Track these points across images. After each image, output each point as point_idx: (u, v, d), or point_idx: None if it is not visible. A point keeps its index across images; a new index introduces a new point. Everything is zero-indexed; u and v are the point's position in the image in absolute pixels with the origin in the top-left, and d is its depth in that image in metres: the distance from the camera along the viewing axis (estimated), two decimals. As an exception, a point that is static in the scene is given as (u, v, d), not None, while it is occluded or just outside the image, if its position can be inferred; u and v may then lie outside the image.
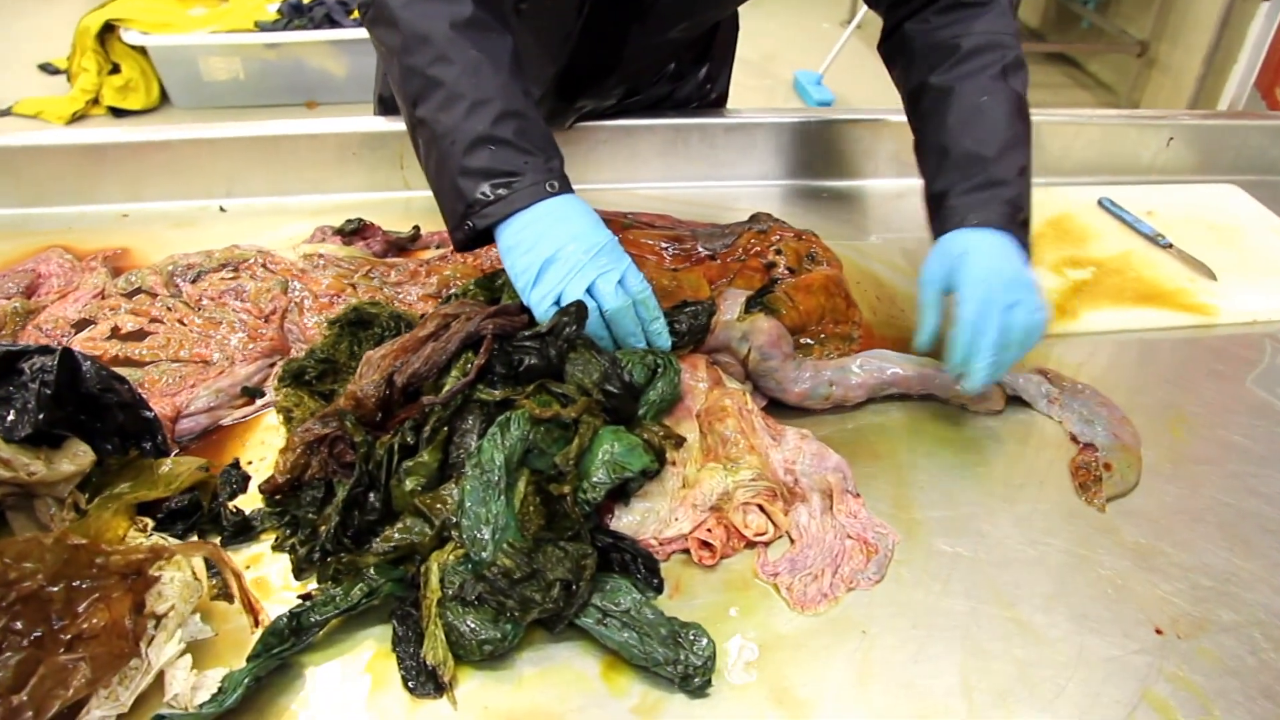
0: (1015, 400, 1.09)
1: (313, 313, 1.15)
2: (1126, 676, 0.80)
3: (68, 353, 0.87)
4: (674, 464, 0.92)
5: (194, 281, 1.20)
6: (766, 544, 0.89)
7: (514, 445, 0.81)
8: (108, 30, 3.90)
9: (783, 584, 0.85)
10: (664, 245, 1.27)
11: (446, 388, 0.89)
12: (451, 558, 0.78)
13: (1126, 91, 4.30)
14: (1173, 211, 1.44)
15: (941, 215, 1.06)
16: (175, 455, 0.99)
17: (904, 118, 1.47)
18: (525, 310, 0.97)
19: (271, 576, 0.87)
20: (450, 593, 0.77)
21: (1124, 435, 1.04)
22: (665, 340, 0.99)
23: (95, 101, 3.96)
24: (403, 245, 1.29)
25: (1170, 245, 1.36)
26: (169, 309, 1.15)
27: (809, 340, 1.12)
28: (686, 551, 0.88)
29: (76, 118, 3.90)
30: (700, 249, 1.27)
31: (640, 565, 0.82)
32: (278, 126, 1.40)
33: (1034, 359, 1.16)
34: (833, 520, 0.91)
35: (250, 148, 1.40)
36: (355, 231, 1.28)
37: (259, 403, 1.05)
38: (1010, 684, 0.79)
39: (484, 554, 0.77)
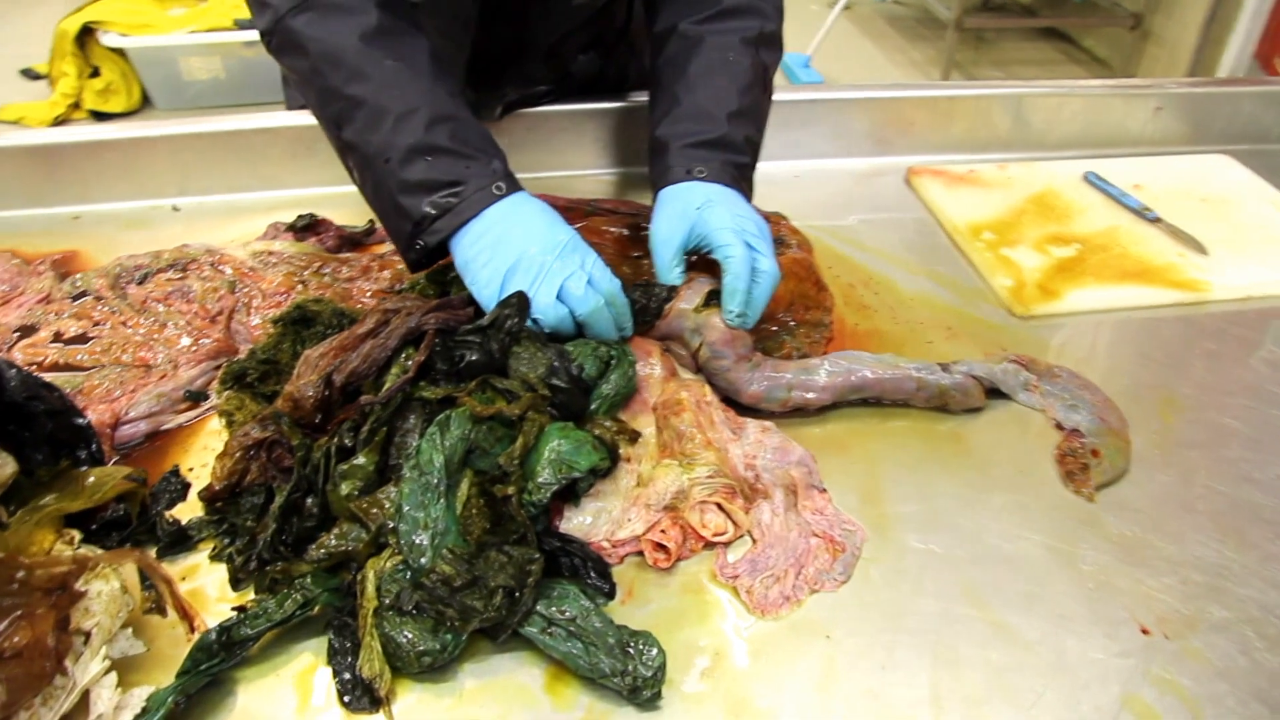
0: (993, 393, 1.03)
1: (260, 312, 1.11)
2: (1109, 681, 0.75)
3: (-15, 361, 0.82)
4: (628, 460, 0.87)
5: (140, 283, 1.15)
6: (726, 544, 0.84)
7: (454, 445, 0.77)
8: (87, 33, 3.86)
9: (742, 587, 0.80)
10: (625, 231, 1.22)
11: (386, 386, 0.85)
12: (388, 565, 0.74)
13: (1121, 65, 4.25)
14: (1161, 184, 1.39)
15: (665, 163, 1.04)
16: (114, 463, 0.95)
17: (880, 93, 1.44)
18: (471, 303, 0.92)
19: (208, 587, 0.83)
20: (387, 602, 0.72)
21: (1110, 419, 0.99)
22: (631, 327, 0.95)
23: (77, 106, 3.92)
24: (357, 240, 1.24)
25: (1158, 219, 1.30)
26: (113, 312, 1.10)
27: (776, 329, 1.07)
28: (641, 554, 0.83)
29: (59, 122, 3.86)
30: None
31: (590, 570, 0.78)
32: (228, 122, 1.35)
33: (1015, 342, 1.11)
34: (797, 518, 0.86)
35: (202, 145, 1.35)
36: (307, 227, 1.23)
37: (203, 407, 1.01)
38: (983, 691, 0.74)
39: (422, 560, 0.72)
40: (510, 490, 0.77)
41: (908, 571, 0.83)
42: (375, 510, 0.76)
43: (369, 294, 1.14)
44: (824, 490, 0.89)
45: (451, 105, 0.93)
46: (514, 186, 0.93)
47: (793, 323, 1.09)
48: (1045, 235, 1.28)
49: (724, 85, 1.06)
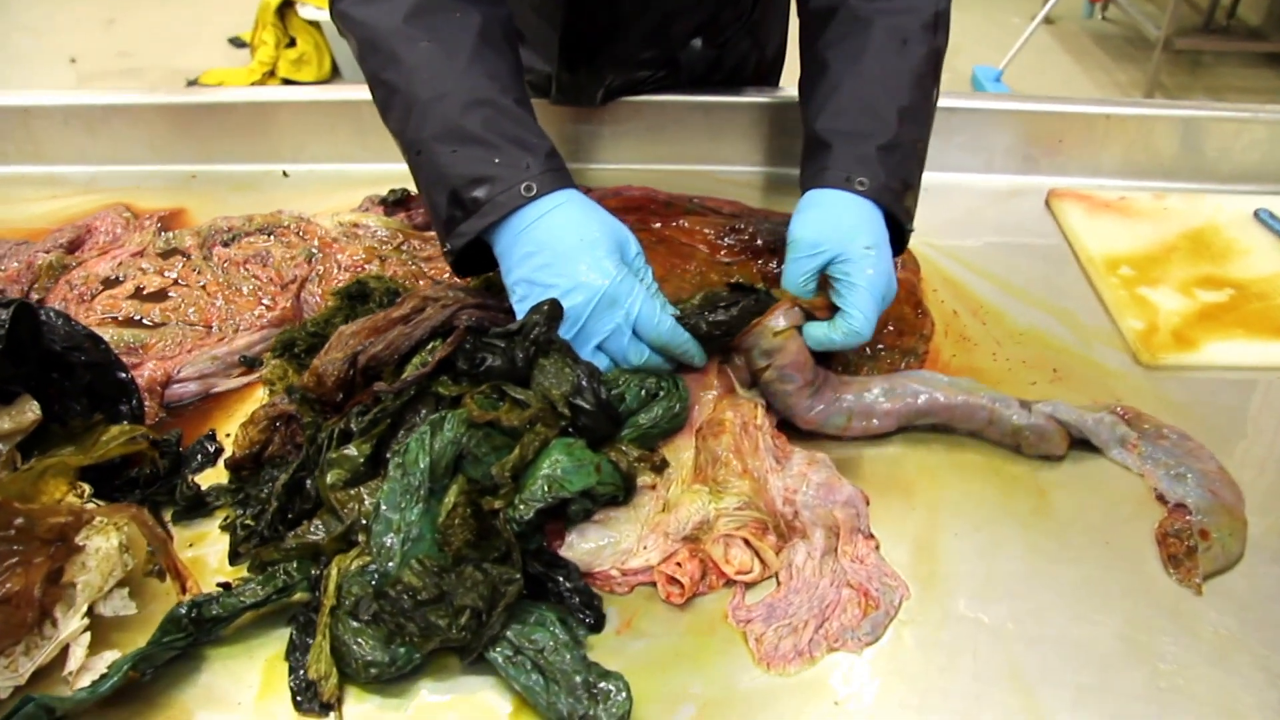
0: (1082, 443, 0.91)
1: (335, 283, 1.09)
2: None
3: (24, 306, 0.83)
4: (653, 486, 0.80)
5: (227, 245, 1.16)
6: (749, 584, 0.76)
7: (444, 448, 0.72)
8: (288, 5, 4.04)
9: (753, 633, 0.72)
10: (721, 233, 1.14)
11: (404, 376, 0.81)
12: (354, 564, 0.69)
13: (1356, 100, 3.82)
14: (1349, 231, 1.21)
15: (823, 162, 0.92)
16: (160, 421, 0.95)
17: (1027, 105, 1.32)
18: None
19: (210, 557, 0.81)
20: (346, 604, 0.68)
21: (1224, 494, 0.86)
22: (701, 359, 0.88)
23: (272, 73, 4.12)
24: (447, 219, 1.21)
25: (1336, 270, 1.13)
26: (194, 271, 1.11)
27: (861, 352, 0.97)
28: (655, 584, 0.76)
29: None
30: (760, 239, 1.14)
31: (576, 598, 0.71)
32: (341, 93, 1.35)
33: (1132, 394, 0.98)
34: (834, 564, 0.77)
35: (316, 112, 1.36)
36: (398, 202, 1.21)
37: (256, 373, 1.00)
38: (1003, 794, 0.64)
39: (389, 565, 0.68)
40: (498, 504, 0.71)
41: (946, 642, 0.73)
42: (352, 505, 0.72)
43: (446, 274, 1.11)
44: (871, 536, 0.80)
45: (489, 89, 0.87)
46: (552, 185, 0.84)
47: (881, 348, 1.00)
48: (1195, 276, 1.13)
49: (897, 75, 0.95)
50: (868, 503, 0.82)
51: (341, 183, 1.34)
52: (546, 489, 0.72)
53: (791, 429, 0.90)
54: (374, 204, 1.23)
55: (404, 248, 1.14)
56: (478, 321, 0.84)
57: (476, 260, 0.90)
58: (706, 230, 1.15)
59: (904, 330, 1.03)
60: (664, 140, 1.34)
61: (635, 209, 1.21)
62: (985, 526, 0.83)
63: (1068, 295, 1.12)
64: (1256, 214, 1.23)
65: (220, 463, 0.89)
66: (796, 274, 0.88)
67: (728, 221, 1.17)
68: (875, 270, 0.87)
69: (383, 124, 0.94)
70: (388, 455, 0.75)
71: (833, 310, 0.89)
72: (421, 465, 0.71)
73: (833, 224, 0.88)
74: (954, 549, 0.81)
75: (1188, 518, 0.84)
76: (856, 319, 0.85)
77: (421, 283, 1.09)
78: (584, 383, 0.79)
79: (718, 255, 1.13)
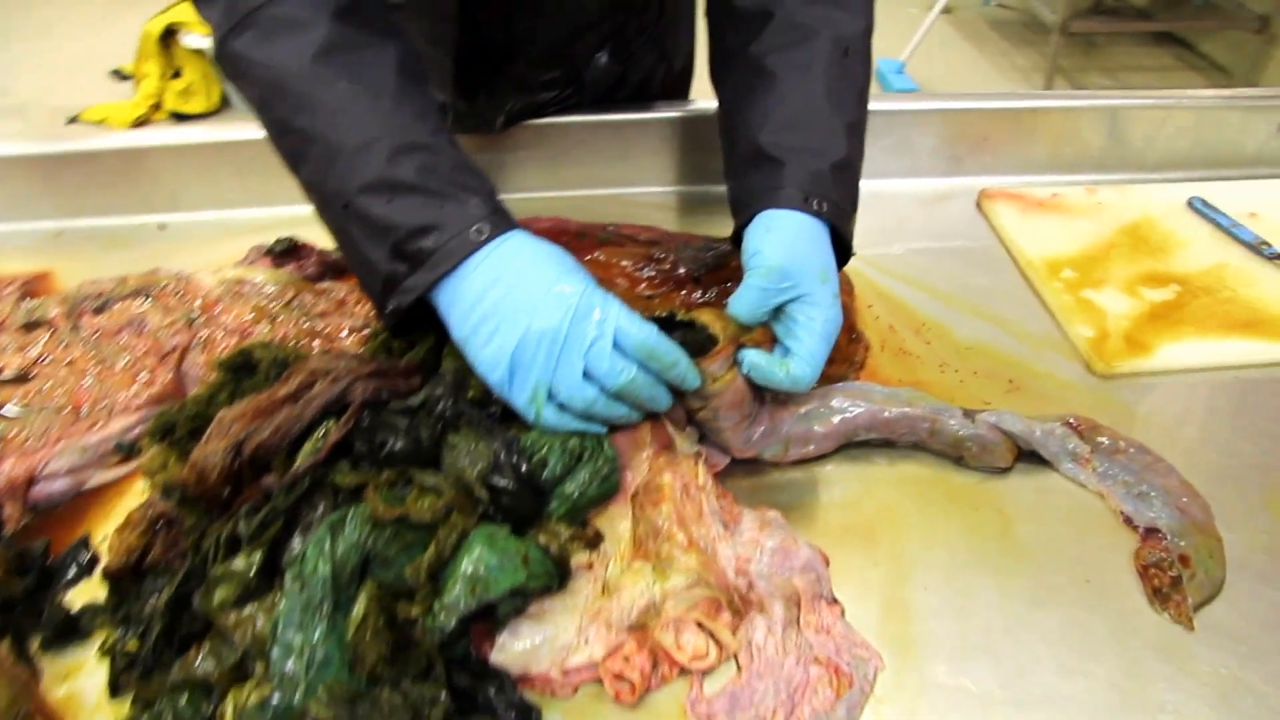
0: (1033, 456, 0.86)
1: (219, 351, 0.98)
2: None
3: None
4: (589, 566, 0.72)
5: (99, 312, 1.04)
6: (706, 671, 0.68)
7: (347, 553, 0.62)
8: (170, 34, 3.86)
9: (716, 731, 0.64)
10: (639, 265, 1.06)
11: (295, 466, 0.71)
12: (252, 698, 0.59)
13: (1244, 73, 3.92)
14: (1283, 214, 1.17)
15: (777, 181, 0.85)
16: (26, 526, 0.83)
17: (951, 104, 1.26)
18: (417, 371, 0.78)
19: (88, 691, 0.70)
20: (244, 752, 0.58)
21: (1193, 511, 0.80)
22: (695, 378, 0.78)
23: (158, 107, 3.93)
24: (342, 268, 1.11)
25: (1277, 255, 1.09)
26: (61, 345, 0.99)
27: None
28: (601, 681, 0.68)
29: (140, 123, 3.87)
30: (681, 268, 1.06)
31: (512, 714, 0.62)
32: (219, 132, 1.24)
33: (1092, 405, 0.92)
34: (797, 637, 0.69)
35: (192, 156, 1.24)
36: (286, 252, 1.10)
37: (134, 463, 0.89)
38: None
39: (293, 697, 0.58)
40: (415, 610, 0.62)
41: (930, 716, 0.66)
42: (246, 627, 0.62)
43: (344, 332, 1.01)
44: (835, 602, 0.72)
45: (420, 130, 0.78)
46: (501, 227, 0.76)
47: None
48: (1138, 274, 1.08)
49: (844, 89, 0.89)
50: (827, 563, 0.74)
51: (224, 232, 1.22)
52: (469, 592, 0.63)
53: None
54: (260, 255, 1.12)
55: (295, 304, 1.04)
56: (375, 395, 0.74)
57: (407, 319, 0.80)
58: (624, 262, 1.07)
59: (835, 358, 0.95)
60: (571, 164, 1.25)
61: (547, 242, 1.12)
62: (955, 575, 0.76)
63: (1011, 303, 1.06)
64: (1190, 203, 1.19)
65: (98, 573, 0.78)
66: (758, 304, 0.80)
67: (646, 251, 1.09)
68: (831, 313, 0.81)
69: (283, 169, 0.84)
70: (282, 564, 0.65)
71: (774, 341, 0.83)
72: (322, 575, 0.62)
73: (799, 253, 0.81)
74: (925, 605, 0.74)
75: (1164, 543, 0.78)
76: (806, 368, 0.79)
77: (316, 342, 0.99)
78: (502, 458, 0.70)
79: (638, 289, 1.05)
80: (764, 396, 0.85)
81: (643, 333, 0.74)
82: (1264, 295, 1.04)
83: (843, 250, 0.87)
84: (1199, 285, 1.06)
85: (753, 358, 0.80)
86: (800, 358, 0.80)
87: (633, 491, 0.78)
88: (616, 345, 0.73)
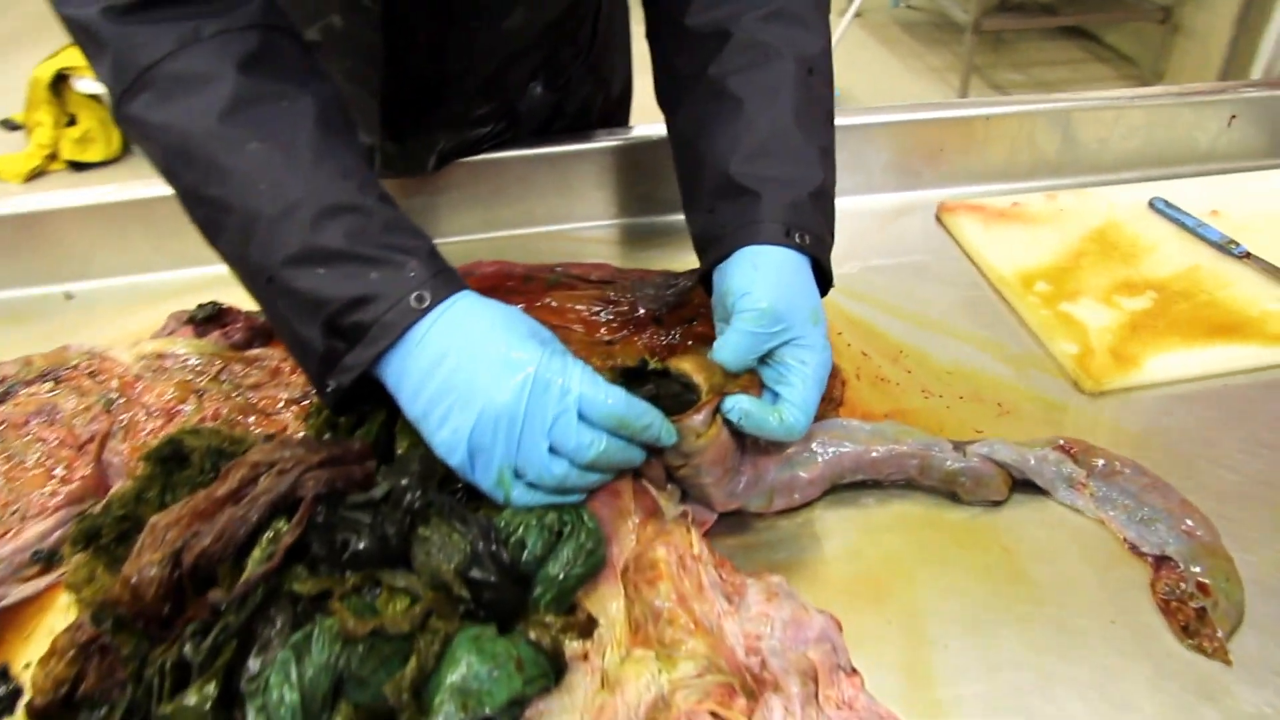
0: (1026, 483, 0.82)
1: (143, 438, 0.89)
2: None
3: None
4: (585, 656, 0.64)
5: (1, 401, 0.94)
6: (724, 765, 0.61)
7: (317, 677, 0.55)
8: (62, 80, 3.69)
9: (744, 839, 0.58)
10: (595, 309, 0.99)
11: (245, 575, 0.62)
12: None
13: (1151, 63, 4.00)
14: (1243, 209, 1.15)
15: (754, 215, 0.79)
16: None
17: (900, 115, 1.22)
18: (372, 454, 0.70)
19: None
20: None
21: (1199, 533, 0.76)
22: (671, 435, 0.71)
23: (54, 157, 3.76)
24: (271, 332, 1.02)
25: (1247, 254, 1.07)
26: (-37, 442, 0.89)
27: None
28: (608, 787, 0.61)
29: (35, 175, 3.70)
30: (640, 308, 0.99)
31: None
32: (129, 190, 1.14)
33: (1085, 426, 0.88)
34: (817, 716, 0.63)
35: (99, 217, 1.14)
36: (210, 319, 1.01)
37: (56, 573, 0.79)
38: None
39: None
40: (400, 737, 0.54)
41: (974, 799, 0.60)
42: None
43: (281, 404, 0.92)
44: (854, 672, 0.66)
45: (345, 189, 0.70)
46: (444, 291, 0.68)
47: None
48: (1112, 282, 1.04)
49: (813, 112, 0.83)
50: (840, 629, 0.68)
51: (138, 299, 1.13)
52: (461, 708, 0.55)
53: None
54: (180, 323, 1.03)
55: (224, 376, 0.95)
56: (329, 486, 0.66)
57: (353, 394, 0.72)
58: (579, 306, 1.00)
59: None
60: (509, 201, 1.18)
61: (490, 290, 1.04)
62: (974, 628, 0.71)
63: (987, 322, 1.02)
64: (1151, 204, 1.16)
65: (20, 709, 0.69)
66: (749, 350, 0.75)
67: (600, 292, 1.02)
68: (824, 356, 0.76)
69: (193, 229, 0.75)
70: (241, 690, 0.57)
71: (761, 387, 0.77)
72: (290, 704, 0.54)
73: (789, 293, 0.75)
74: (948, 665, 0.68)
75: (1178, 571, 0.74)
76: (800, 415, 0.74)
77: (251, 418, 0.90)
78: (480, 548, 0.63)
79: (597, 334, 0.98)
80: (744, 444, 0.79)
81: (610, 400, 0.67)
82: (1239, 296, 1.01)
83: (822, 282, 0.81)
84: (1175, 290, 1.03)
85: (744, 406, 0.73)
86: (793, 404, 0.74)
87: (622, 567, 0.71)
88: (582, 416, 0.66)
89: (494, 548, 0.64)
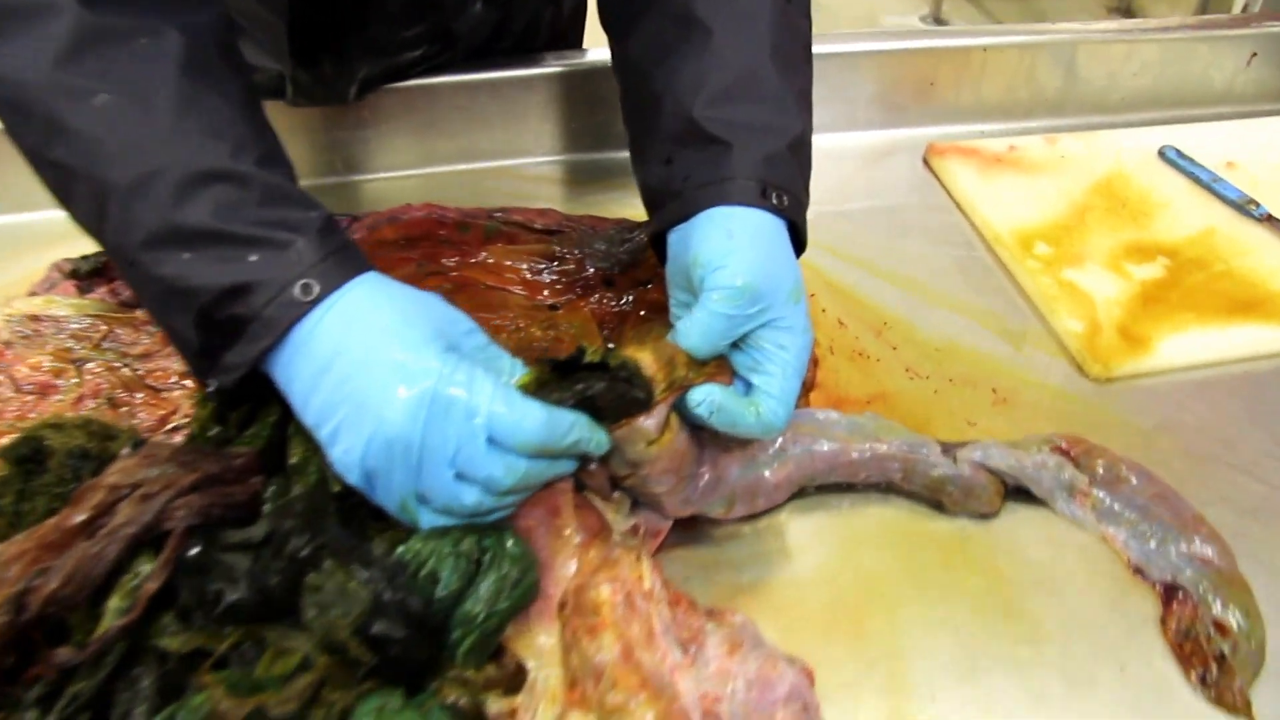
0: (1019, 493, 0.72)
1: (15, 418, 0.76)
2: None
3: None
4: (512, 714, 0.54)
5: None
6: None
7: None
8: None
9: None
10: (538, 266, 0.87)
11: (101, 626, 0.51)
12: None
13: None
14: (1263, 161, 1.04)
15: (725, 170, 0.66)
16: None
17: (885, 43, 1.08)
18: (258, 466, 0.58)
19: None
20: None
21: (1215, 558, 0.67)
22: (604, 443, 0.60)
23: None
24: (167, 287, 0.89)
25: (1269, 216, 0.96)
26: None
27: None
28: None
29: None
30: (589, 266, 0.87)
31: None
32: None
33: (1093, 418, 0.78)
34: (787, 795, 0.54)
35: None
36: (95, 272, 0.88)
37: (-104, 587, 0.67)
38: None
39: None
40: None
41: None
42: None
43: (173, 378, 0.80)
44: (829, 735, 0.57)
45: (215, 151, 0.56)
46: (335, 278, 0.56)
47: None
48: (1120, 245, 0.93)
49: (791, 49, 0.71)
50: (813, 681, 0.58)
51: (13, 244, 0.98)
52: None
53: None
54: (63, 275, 0.89)
55: (108, 343, 0.82)
56: (203, 514, 0.55)
57: (242, 390, 0.60)
58: (519, 264, 0.88)
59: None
60: (444, 134, 1.04)
61: (419, 239, 0.92)
62: (968, 675, 0.61)
63: (981, 287, 0.91)
64: (1162, 153, 1.05)
65: None
66: (721, 334, 0.63)
67: (545, 246, 0.90)
68: (805, 339, 0.65)
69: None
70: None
71: (732, 375, 0.65)
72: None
73: (769, 267, 0.63)
74: (936, 717, 0.59)
75: (1191, 603, 0.65)
76: (780, 408, 0.63)
77: (140, 395, 0.78)
78: (386, 597, 0.52)
79: (539, 297, 0.86)
80: (703, 440, 0.68)
81: (526, 423, 0.55)
82: (1260, 267, 0.91)
83: (796, 246, 0.70)
84: (1189, 257, 0.92)
85: (716, 398, 0.62)
86: (772, 396, 0.63)
87: (560, 599, 0.60)
88: (494, 441, 0.55)
89: (402, 595, 0.53)
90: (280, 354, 0.56)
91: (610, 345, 0.82)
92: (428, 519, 0.57)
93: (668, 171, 0.70)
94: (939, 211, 1.00)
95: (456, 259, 0.88)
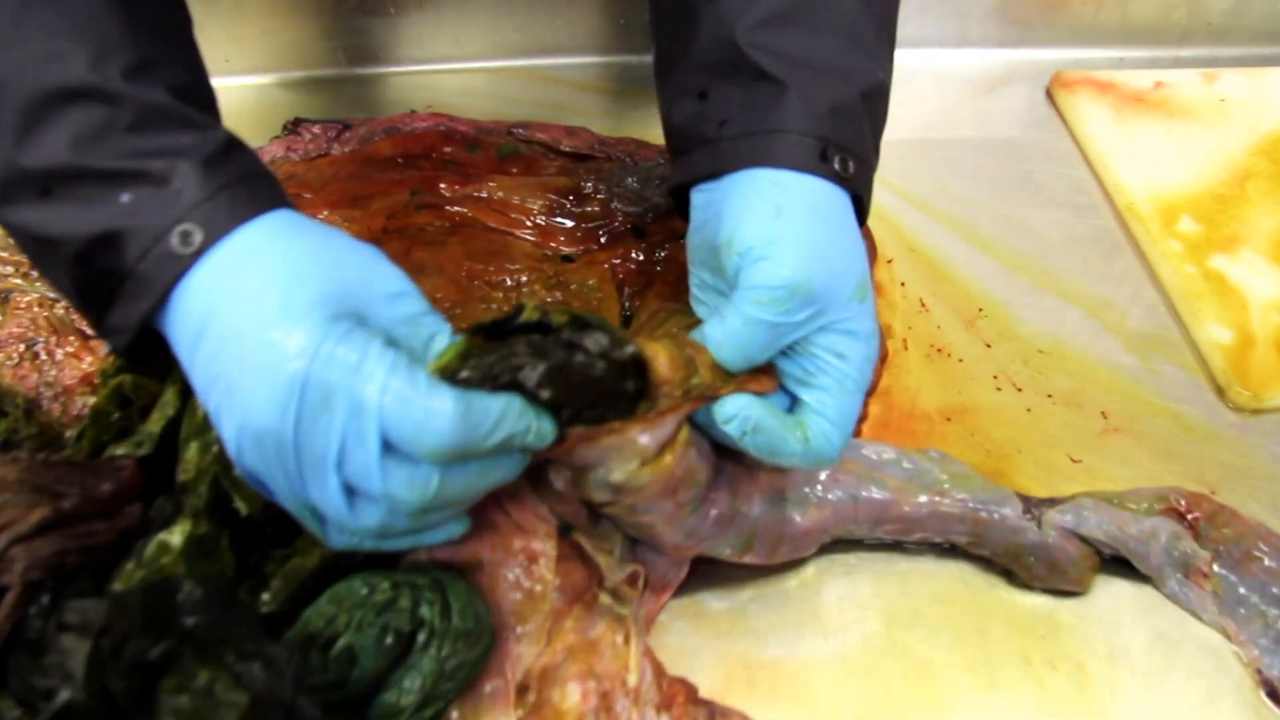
0: (1118, 561, 0.57)
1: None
2: None
3: None
4: None
5: None
6: None
7: None
8: None
9: None
10: (555, 204, 0.71)
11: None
12: None
13: None
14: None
15: (776, 118, 0.49)
16: None
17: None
18: (134, 491, 0.45)
19: None
20: None
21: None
22: (550, 432, 0.43)
23: None
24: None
25: None
26: None
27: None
28: None
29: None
30: (616, 206, 0.71)
31: None
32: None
33: (1211, 460, 0.61)
34: None
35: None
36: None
37: None
38: None
39: None
40: None
41: None
42: None
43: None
44: None
45: (71, 63, 0.41)
46: (227, 220, 0.42)
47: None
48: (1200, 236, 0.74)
49: None
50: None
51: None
52: None
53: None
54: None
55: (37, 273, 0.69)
56: (55, 564, 0.42)
57: (144, 347, 0.46)
58: (531, 201, 0.71)
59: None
60: (466, 24, 0.87)
61: (418, 158, 0.76)
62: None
63: (1105, 272, 0.73)
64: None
65: None
66: (762, 345, 0.47)
67: (567, 180, 0.73)
68: (869, 348, 0.49)
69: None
70: None
71: (774, 382, 0.50)
72: None
73: (828, 256, 0.47)
74: None
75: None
76: (835, 435, 0.48)
77: (71, 340, 0.65)
78: (274, 696, 0.39)
79: (551, 245, 0.70)
80: (720, 459, 0.53)
81: (433, 420, 0.39)
82: None
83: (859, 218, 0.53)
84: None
85: (755, 416, 0.47)
86: (825, 418, 0.48)
87: (519, 681, 0.47)
88: (392, 446, 0.40)
89: (295, 694, 0.40)
90: (164, 316, 0.42)
91: (627, 310, 0.66)
92: (336, 539, 0.43)
93: (699, 109, 0.52)
94: (1060, 162, 0.81)
95: (457, 190, 0.72)
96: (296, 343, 0.39)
